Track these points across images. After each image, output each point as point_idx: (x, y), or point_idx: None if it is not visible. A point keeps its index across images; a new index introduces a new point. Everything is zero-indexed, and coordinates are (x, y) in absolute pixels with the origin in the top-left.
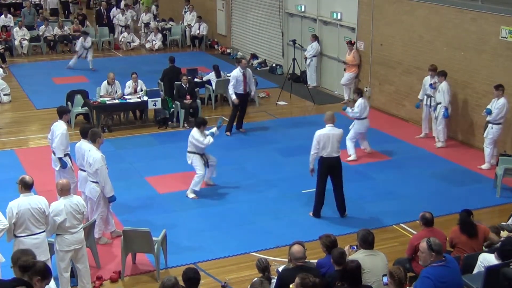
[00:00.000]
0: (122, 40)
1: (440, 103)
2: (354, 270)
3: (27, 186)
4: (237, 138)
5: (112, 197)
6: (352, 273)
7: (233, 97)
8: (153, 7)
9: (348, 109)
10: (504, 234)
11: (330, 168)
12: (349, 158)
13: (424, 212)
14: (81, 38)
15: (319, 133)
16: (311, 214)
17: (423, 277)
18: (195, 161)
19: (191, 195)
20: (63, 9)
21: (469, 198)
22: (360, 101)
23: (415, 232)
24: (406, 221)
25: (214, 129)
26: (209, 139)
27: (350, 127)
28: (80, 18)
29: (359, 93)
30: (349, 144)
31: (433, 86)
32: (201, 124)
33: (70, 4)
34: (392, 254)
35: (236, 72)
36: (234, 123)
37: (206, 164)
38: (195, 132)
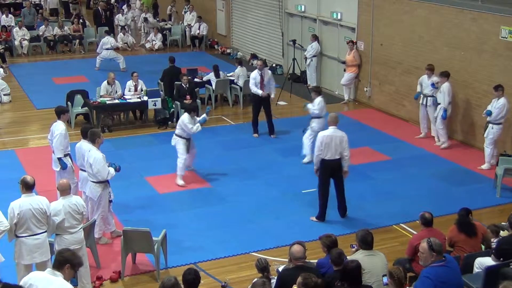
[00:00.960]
0: (118, 41)
1: (439, 104)
2: (354, 270)
3: (28, 187)
4: (237, 138)
5: (117, 168)
6: (352, 273)
7: (259, 92)
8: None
9: (309, 105)
10: (504, 233)
11: (332, 170)
12: (304, 160)
13: (424, 212)
14: (103, 39)
15: (322, 134)
16: (313, 218)
17: (423, 277)
18: (178, 144)
19: (180, 182)
20: (64, 9)
21: (469, 198)
22: (319, 99)
23: (415, 232)
24: (406, 221)
25: (204, 115)
26: (198, 127)
27: (307, 127)
28: (77, 19)
29: (318, 91)
30: (306, 143)
31: (435, 86)
32: (192, 110)
33: (70, 5)
34: (392, 254)
35: (254, 74)
36: (266, 130)
37: (187, 150)
38: (185, 117)
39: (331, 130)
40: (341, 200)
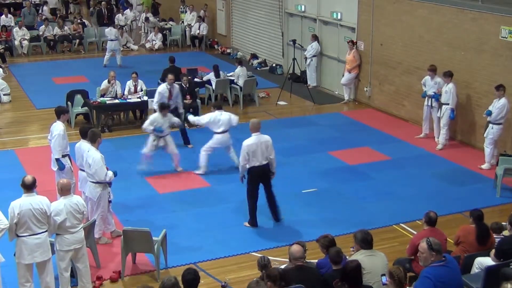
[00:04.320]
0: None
1: (444, 104)
2: (354, 270)
3: (26, 187)
4: (237, 138)
5: (114, 172)
6: (352, 273)
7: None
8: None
9: (191, 117)
10: (505, 233)
11: (261, 176)
12: (198, 172)
13: (429, 211)
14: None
15: (246, 143)
16: (247, 224)
17: (423, 277)
18: (148, 138)
19: (141, 166)
20: (65, 8)
21: (469, 198)
22: (215, 113)
23: (415, 232)
24: (406, 221)
25: (191, 117)
26: (147, 126)
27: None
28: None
29: (218, 107)
30: (202, 155)
31: (437, 95)
32: (163, 109)
33: (71, 5)
34: (392, 254)
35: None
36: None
37: (162, 148)
38: (155, 114)
39: (254, 137)
40: (273, 205)
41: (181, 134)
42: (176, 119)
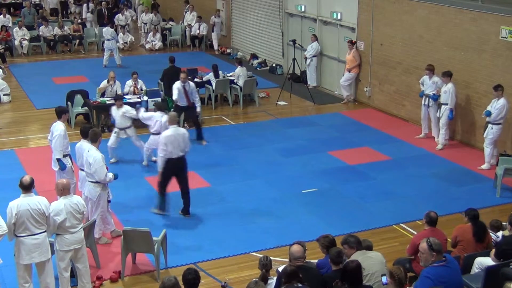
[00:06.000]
0: (119, 41)
1: (443, 104)
2: (354, 270)
3: (24, 187)
4: (237, 138)
5: (115, 176)
6: (352, 273)
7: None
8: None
9: (142, 110)
10: (505, 232)
11: (176, 168)
12: (144, 163)
13: (430, 211)
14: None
15: (164, 135)
16: (155, 210)
17: (423, 277)
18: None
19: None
20: (61, 9)
21: (469, 198)
22: (157, 114)
23: (415, 232)
24: (406, 221)
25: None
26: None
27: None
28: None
29: (160, 107)
30: (144, 151)
31: (435, 96)
32: (116, 100)
33: (73, 5)
34: (392, 254)
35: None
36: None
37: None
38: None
39: (172, 129)
40: (185, 198)
41: (196, 130)
42: (133, 112)
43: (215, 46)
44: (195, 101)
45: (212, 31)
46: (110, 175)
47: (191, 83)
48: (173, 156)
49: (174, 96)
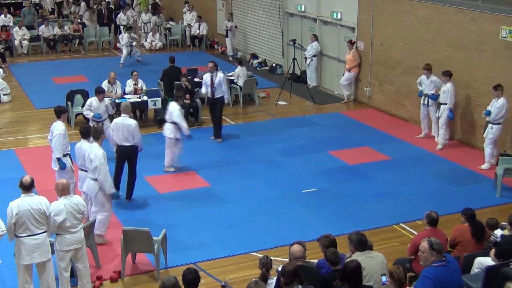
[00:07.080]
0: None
1: (443, 104)
2: (354, 270)
3: (24, 187)
4: (237, 138)
5: (115, 193)
6: (352, 273)
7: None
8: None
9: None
10: (505, 232)
11: (123, 156)
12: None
13: (431, 211)
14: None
15: (114, 121)
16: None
17: (423, 277)
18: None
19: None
20: (58, 9)
21: (469, 198)
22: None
23: (415, 232)
24: (406, 221)
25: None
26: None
27: None
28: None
29: (116, 108)
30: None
31: (435, 95)
32: (98, 93)
33: (72, 4)
34: (392, 254)
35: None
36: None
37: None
38: (91, 98)
39: (121, 118)
40: (130, 184)
41: (213, 126)
42: (110, 107)
43: (230, 52)
44: (224, 93)
45: (226, 37)
46: (113, 190)
47: (221, 74)
48: (119, 143)
49: (203, 90)
